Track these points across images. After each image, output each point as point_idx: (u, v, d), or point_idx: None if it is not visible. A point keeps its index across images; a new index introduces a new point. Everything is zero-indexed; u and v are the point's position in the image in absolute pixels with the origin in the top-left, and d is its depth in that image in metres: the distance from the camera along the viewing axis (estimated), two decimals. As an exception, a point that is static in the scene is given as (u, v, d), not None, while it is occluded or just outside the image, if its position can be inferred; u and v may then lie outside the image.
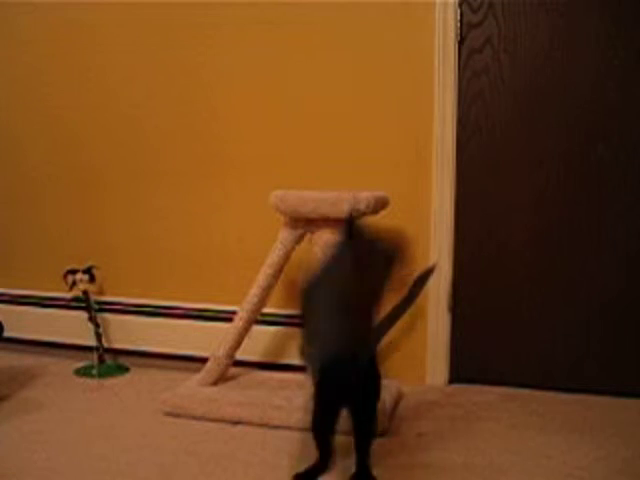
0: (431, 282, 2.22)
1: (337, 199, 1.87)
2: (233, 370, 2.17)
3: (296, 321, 2.28)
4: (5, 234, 2.72)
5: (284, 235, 2.01)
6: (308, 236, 2.01)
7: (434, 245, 2.21)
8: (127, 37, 2.46)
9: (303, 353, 1.58)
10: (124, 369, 2.44)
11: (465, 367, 2.26)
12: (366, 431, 1.53)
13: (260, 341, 2.32)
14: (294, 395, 1.99)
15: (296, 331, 2.28)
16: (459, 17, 2.14)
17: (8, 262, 2.72)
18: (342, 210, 1.87)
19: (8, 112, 2.67)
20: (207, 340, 2.34)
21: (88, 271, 2.44)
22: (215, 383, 2.09)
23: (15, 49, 2.62)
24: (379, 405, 1.91)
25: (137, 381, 2.32)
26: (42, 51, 2.58)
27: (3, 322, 2.16)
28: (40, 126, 2.62)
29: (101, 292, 2.57)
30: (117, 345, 2.52)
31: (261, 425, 1.89)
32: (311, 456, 1.69)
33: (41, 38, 2.57)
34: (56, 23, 2.54)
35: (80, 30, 2.52)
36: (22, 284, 2.67)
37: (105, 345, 2.48)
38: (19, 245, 2.70)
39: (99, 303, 2.51)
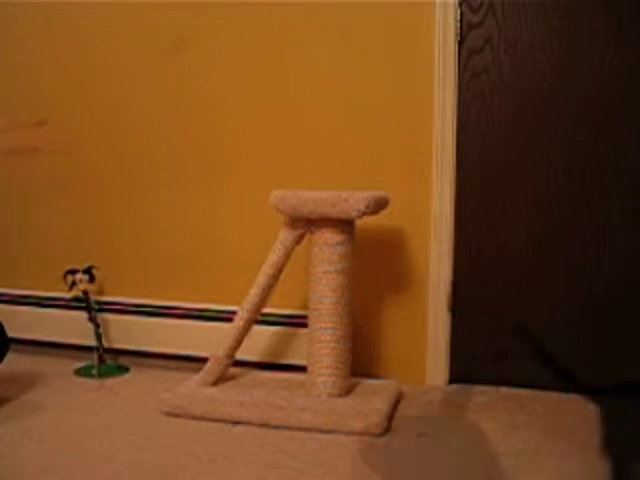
0: (431, 282, 2.23)
1: (337, 199, 1.87)
2: (233, 370, 2.17)
3: (295, 321, 2.29)
4: (5, 234, 2.72)
5: (284, 235, 2.01)
6: (308, 236, 2.01)
7: (434, 245, 2.21)
8: (129, 41, 2.46)
9: None
10: (124, 369, 2.44)
11: (465, 367, 2.26)
12: None
13: (260, 341, 2.32)
14: (294, 395, 1.99)
15: (296, 331, 2.30)
16: (459, 17, 2.14)
17: (8, 262, 2.72)
18: (342, 210, 1.87)
19: (10, 114, 2.67)
20: (207, 340, 2.34)
21: (88, 271, 2.44)
22: (215, 383, 2.09)
23: (17, 52, 2.62)
24: (379, 405, 1.92)
25: (137, 381, 2.32)
26: (44, 53, 2.58)
27: (3, 322, 2.15)
28: (44, 127, 2.62)
29: (101, 292, 2.57)
30: (117, 345, 2.52)
31: (261, 425, 1.89)
32: (310, 456, 1.69)
33: (43, 41, 2.57)
34: (58, 26, 2.54)
35: (82, 33, 2.52)
36: (22, 284, 2.67)
37: (105, 345, 2.48)
38: (19, 245, 2.70)
39: (99, 303, 2.51)
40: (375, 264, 2.28)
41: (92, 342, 2.45)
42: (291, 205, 1.93)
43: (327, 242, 1.94)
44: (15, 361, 2.47)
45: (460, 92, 2.18)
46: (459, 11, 2.14)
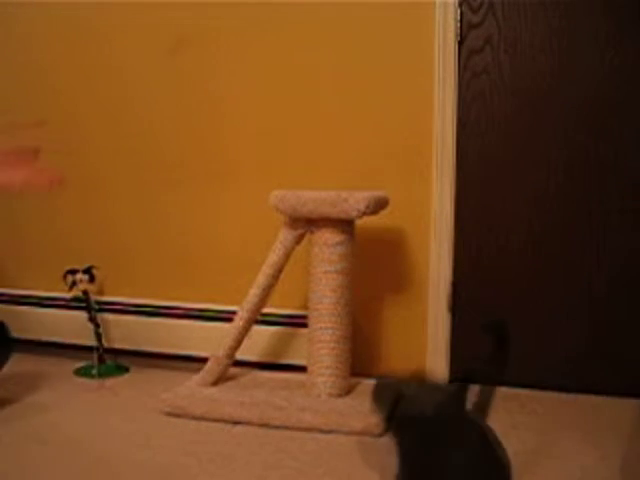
0: (431, 282, 2.23)
1: (337, 199, 1.87)
2: (233, 370, 2.17)
3: (295, 321, 2.29)
4: (6, 234, 2.72)
5: (284, 235, 2.01)
6: (308, 236, 2.01)
7: (434, 245, 2.21)
8: (131, 41, 2.46)
9: None
10: (124, 369, 2.44)
11: (465, 367, 2.25)
12: None
13: (260, 341, 2.32)
14: (294, 395, 1.99)
15: (296, 331, 2.30)
16: (459, 17, 2.14)
17: (9, 262, 2.72)
18: (342, 210, 1.87)
19: (15, 112, 2.67)
20: (207, 340, 2.34)
21: (88, 271, 2.44)
22: (215, 383, 2.09)
23: (18, 51, 2.62)
24: (379, 406, 1.91)
25: (137, 381, 2.32)
26: (49, 53, 2.58)
27: (5, 322, 2.15)
28: (46, 127, 2.62)
29: (101, 292, 2.57)
30: (117, 345, 2.52)
31: (261, 425, 1.89)
32: (310, 456, 1.69)
33: (45, 40, 2.57)
34: (59, 26, 2.54)
35: (84, 33, 2.52)
36: (22, 284, 2.67)
37: (105, 345, 2.47)
38: (20, 245, 2.70)
39: (99, 303, 2.51)
40: (375, 264, 2.28)
41: (92, 342, 2.45)
42: (291, 205, 1.93)
43: (327, 242, 1.94)
44: (15, 361, 2.47)
45: (460, 92, 2.18)
46: (459, 11, 2.14)
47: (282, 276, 2.06)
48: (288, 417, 1.87)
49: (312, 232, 1.98)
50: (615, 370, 2.13)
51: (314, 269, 1.97)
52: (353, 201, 1.86)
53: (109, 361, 2.48)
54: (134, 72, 2.47)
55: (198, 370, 2.15)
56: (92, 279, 2.45)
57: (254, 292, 2.04)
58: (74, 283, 2.43)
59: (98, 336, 2.44)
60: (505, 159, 2.17)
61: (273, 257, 2.02)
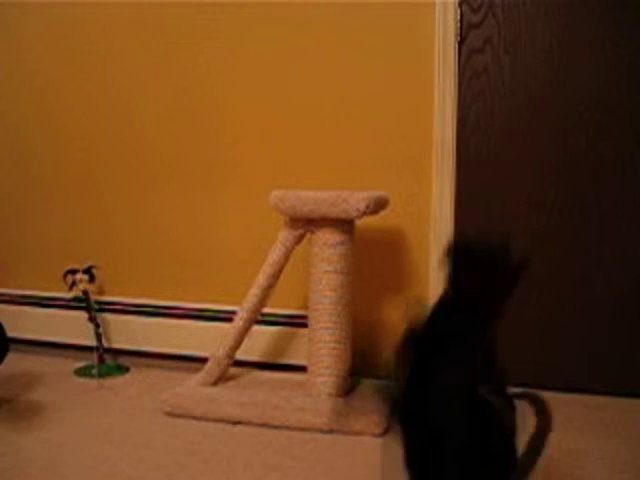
0: (431, 281, 2.23)
1: (337, 199, 1.87)
2: (233, 370, 2.17)
3: (295, 321, 2.29)
4: (6, 234, 2.72)
5: (284, 235, 2.01)
6: (308, 236, 2.01)
7: (434, 245, 2.22)
8: (130, 40, 2.46)
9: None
10: (124, 369, 2.44)
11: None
12: None
13: (260, 341, 2.32)
14: (294, 395, 1.99)
15: (296, 331, 2.30)
16: (459, 17, 2.14)
17: (9, 262, 2.72)
18: (342, 210, 1.87)
19: (12, 114, 2.67)
20: (207, 340, 2.34)
21: (88, 271, 2.44)
22: (215, 383, 2.09)
23: (18, 52, 2.62)
24: (379, 405, 1.91)
25: (137, 381, 2.32)
26: (45, 53, 2.58)
27: (3, 322, 2.15)
28: (44, 128, 2.62)
29: (101, 292, 2.57)
30: (117, 345, 2.52)
31: (261, 425, 1.89)
32: (310, 456, 1.69)
33: (44, 40, 2.57)
34: (58, 25, 2.55)
35: (84, 32, 2.52)
36: (22, 284, 2.67)
37: (105, 345, 2.48)
38: (20, 245, 2.70)
39: (99, 303, 2.51)
40: (375, 264, 2.28)
41: (92, 342, 2.45)
42: (291, 205, 1.93)
43: (327, 242, 1.94)
44: (15, 361, 2.47)
45: (460, 92, 2.18)
46: (459, 11, 2.14)
47: (282, 276, 2.06)
48: (288, 417, 1.87)
49: (312, 232, 1.98)
50: (618, 370, 2.13)
51: (314, 269, 1.97)
52: (353, 201, 1.86)
53: (109, 361, 2.48)
54: (132, 72, 2.48)
55: (198, 370, 2.15)
56: (92, 279, 2.45)
57: (254, 292, 2.04)
58: (74, 283, 2.43)
59: (98, 336, 2.44)
60: (505, 159, 2.17)
61: (273, 257, 2.02)
